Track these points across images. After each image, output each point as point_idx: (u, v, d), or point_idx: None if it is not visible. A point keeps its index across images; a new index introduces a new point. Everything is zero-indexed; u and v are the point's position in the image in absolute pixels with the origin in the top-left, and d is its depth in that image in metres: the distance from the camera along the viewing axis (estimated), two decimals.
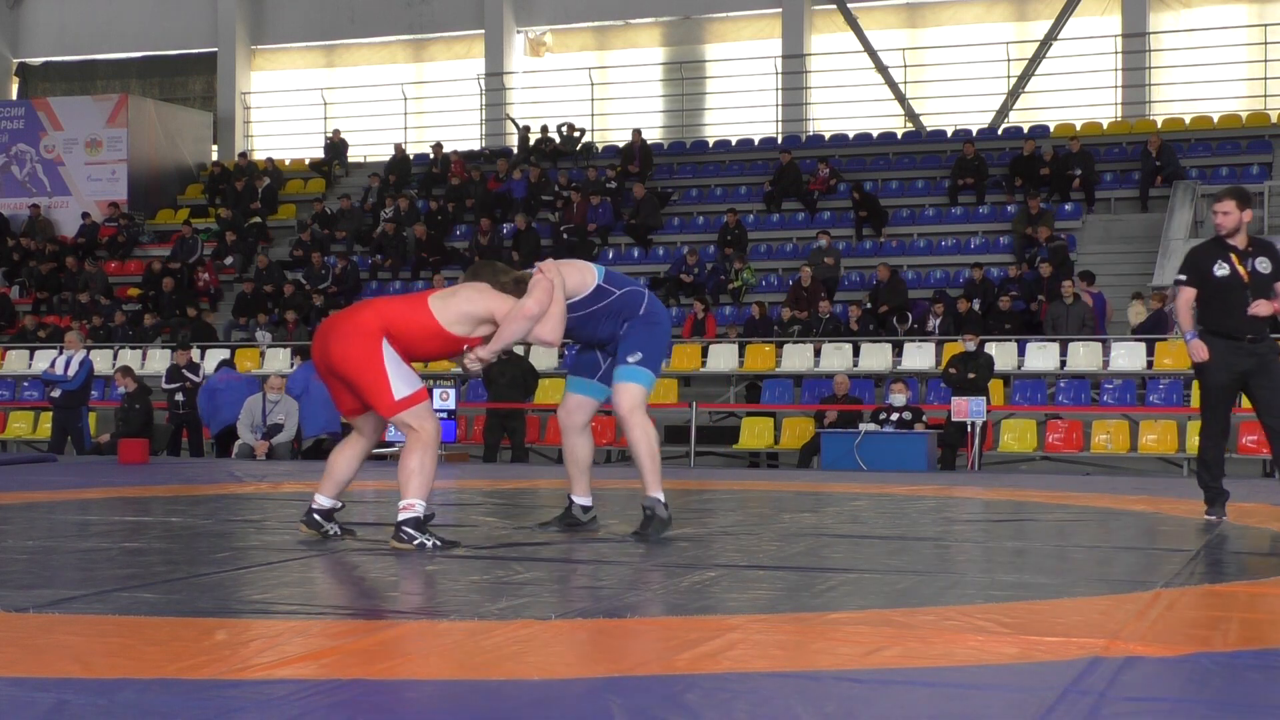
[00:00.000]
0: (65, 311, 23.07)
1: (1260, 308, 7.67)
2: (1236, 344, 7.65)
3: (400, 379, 6.21)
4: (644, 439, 6.75)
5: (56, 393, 16.60)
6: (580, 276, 6.71)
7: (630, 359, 6.72)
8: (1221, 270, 7.75)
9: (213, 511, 8.35)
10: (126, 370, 16.91)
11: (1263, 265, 7.75)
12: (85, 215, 26.25)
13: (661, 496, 6.80)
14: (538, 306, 6.38)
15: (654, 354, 6.78)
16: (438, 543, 6.23)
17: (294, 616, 4.57)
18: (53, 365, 16.85)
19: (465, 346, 6.44)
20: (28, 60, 31.51)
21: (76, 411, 16.74)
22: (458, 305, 6.35)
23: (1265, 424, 7.79)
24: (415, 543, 6.20)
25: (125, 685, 3.49)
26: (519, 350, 17.76)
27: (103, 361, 19.82)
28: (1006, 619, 4.49)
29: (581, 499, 7.10)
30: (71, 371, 16.54)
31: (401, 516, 6.25)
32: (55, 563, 5.97)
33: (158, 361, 20.26)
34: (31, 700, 3.32)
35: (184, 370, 16.75)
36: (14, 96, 30.75)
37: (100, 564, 5.86)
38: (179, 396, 16.63)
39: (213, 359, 18.73)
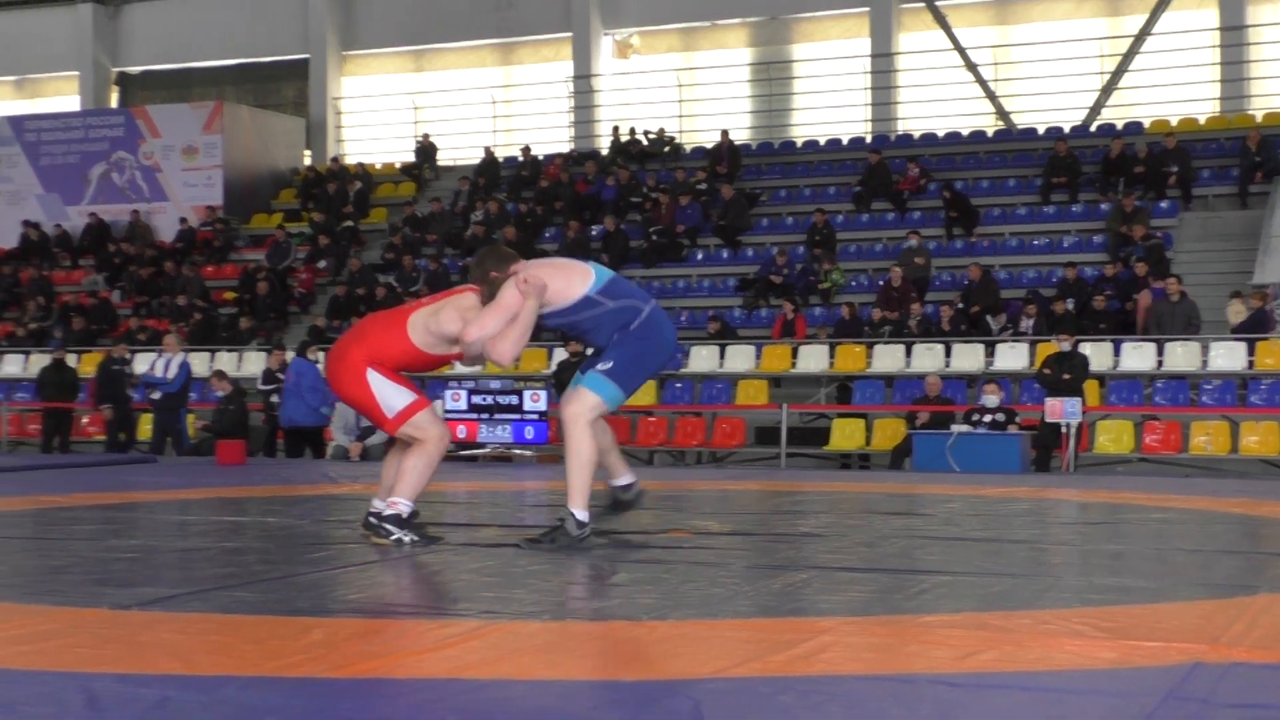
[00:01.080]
0: (164, 315, 23.46)
1: None
2: None
3: (390, 397, 6.47)
4: (580, 450, 6.31)
5: (156, 395, 16.90)
6: (565, 284, 6.36)
7: (600, 367, 6.40)
8: None
9: (308, 512, 8.45)
10: (221, 374, 17.19)
11: None
12: (182, 220, 26.69)
13: (581, 514, 6.34)
14: (493, 325, 6.25)
15: (629, 370, 6.39)
16: (414, 539, 6.41)
17: (389, 616, 4.62)
18: (152, 368, 17.14)
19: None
20: (127, 69, 32.10)
21: (175, 413, 17.03)
22: (438, 325, 6.43)
23: None
24: (392, 538, 6.41)
25: (225, 683, 3.54)
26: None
27: (200, 364, 20.13)
28: (1104, 623, 4.43)
29: (620, 480, 6.85)
30: (171, 374, 16.84)
31: (386, 512, 6.49)
32: (157, 561, 6.07)
33: (253, 364, 20.55)
34: (136, 696, 3.38)
35: (278, 373, 16.97)
36: (114, 105, 31.32)
37: (200, 563, 5.96)
38: (274, 398, 16.85)
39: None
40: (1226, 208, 20.96)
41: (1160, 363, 17.08)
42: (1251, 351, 16.75)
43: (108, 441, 18.04)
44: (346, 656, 3.94)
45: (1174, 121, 23.35)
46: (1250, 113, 23.69)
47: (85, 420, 20.27)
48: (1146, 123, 23.47)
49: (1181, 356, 17.01)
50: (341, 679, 3.62)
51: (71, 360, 20.40)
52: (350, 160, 28.70)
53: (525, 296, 6.26)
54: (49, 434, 18.81)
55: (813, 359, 18.57)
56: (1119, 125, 23.69)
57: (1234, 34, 24.36)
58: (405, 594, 5.24)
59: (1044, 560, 6.27)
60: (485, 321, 6.26)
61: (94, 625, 4.35)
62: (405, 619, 4.57)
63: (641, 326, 6.42)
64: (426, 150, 27.62)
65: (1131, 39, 25.14)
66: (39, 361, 20.98)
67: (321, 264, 24.53)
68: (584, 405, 6.34)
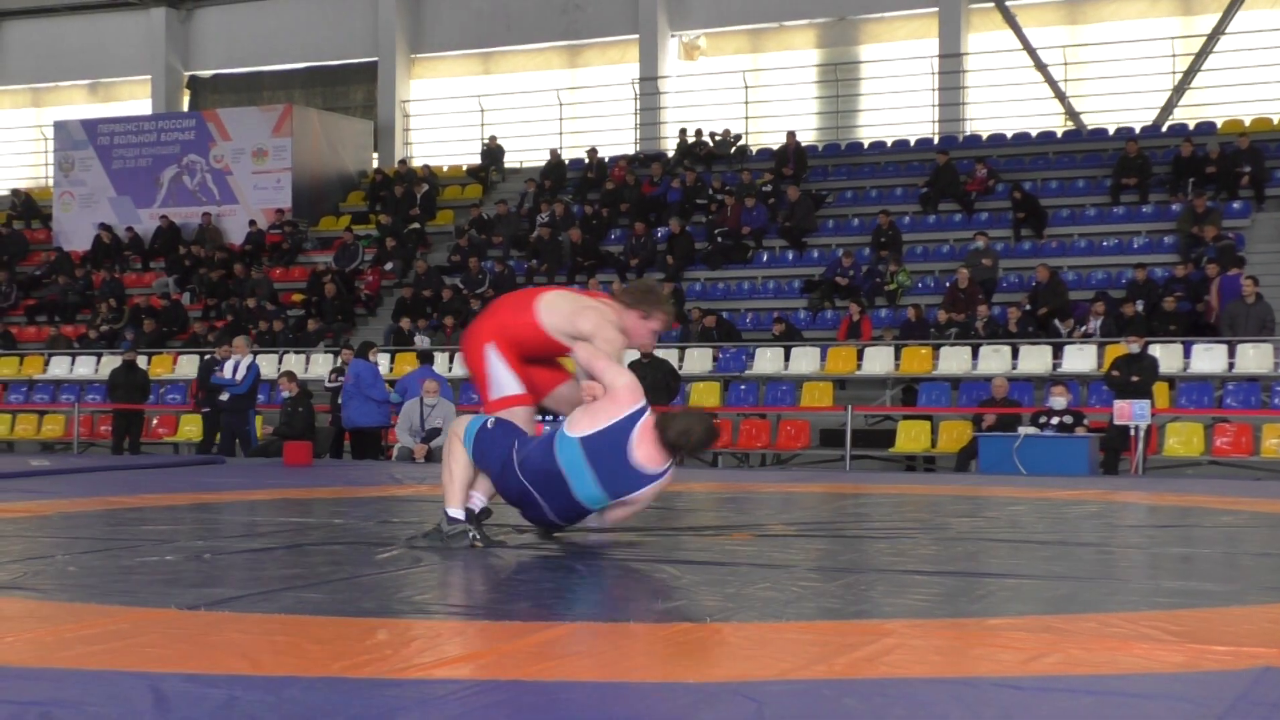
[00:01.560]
0: (233, 317, 23.70)
1: None
2: None
3: (501, 378, 6.56)
4: (447, 457, 6.47)
5: (225, 396, 17.08)
6: (613, 403, 6.27)
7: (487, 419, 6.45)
8: None
9: (374, 513, 8.51)
10: (290, 375, 17.34)
11: None
12: (252, 223, 26.96)
13: (453, 512, 6.40)
14: (599, 364, 6.37)
15: (486, 438, 6.37)
16: (478, 538, 6.35)
17: (453, 617, 4.65)
18: (221, 369, 17.31)
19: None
20: (198, 73, 32.47)
21: (244, 414, 17.20)
22: (572, 319, 6.48)
23: None
24: (458, 531, 6.39)
25: (292, 683, 3.57)
26: (659, 353, 17.81)
27: (268, 366, 20.33)
28: (1173, 627, 4.38)
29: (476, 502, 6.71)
30: (239, 376, 17.01)
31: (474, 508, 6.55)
32: (224, 562, 6.13)
33: (320, 365, 20.73)
34: (204, 696, 3.42)
35: (340, 374, 17.10)
36: (185, 108, 31.70)
37: (267, 564, 6.01)
38: (340, 399, 16.98)
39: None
40: None
41: (1232, 364, 16.86)
42: None
43: (202, 444, 18.08)
44: (411, 657, 3.97)
45: (1247, 121, 23.05)
46: None
47: (155, 422, 20.53)
48: (1219, 123, 23.18)
49: (1253, 358, 16.78)
50: (406, 679, 3.64)
51: (142, 362, 20.64)
52: (417, 163, 28.88)
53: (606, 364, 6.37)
54: (119, 435, 19.06)
55: (878, 361, 18.48)
56: (1191, 125, 23.42)
57: None
58: (469, 595, 5.27)
59: (1111, 563, 6.20)
60: (597, 354, 6.39)
61: (162, 625, 4.40)
62: (469, 620, 4.59)
63: (520, 465, 6.30)
64: (493, 152, 27.74)
65: (1204, 38, 24.84)
66: (110, 363, 21.26)
67: (388, 266, 24.70)
68: (460, 426, 6.51)
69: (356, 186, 28.64)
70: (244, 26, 31.63)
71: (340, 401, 16.89)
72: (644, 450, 6.15)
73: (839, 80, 27.49)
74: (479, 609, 4.83)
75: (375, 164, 29.60)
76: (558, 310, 6.55)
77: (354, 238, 25.35)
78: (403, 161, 28.48)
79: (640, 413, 6.23)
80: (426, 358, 18.14)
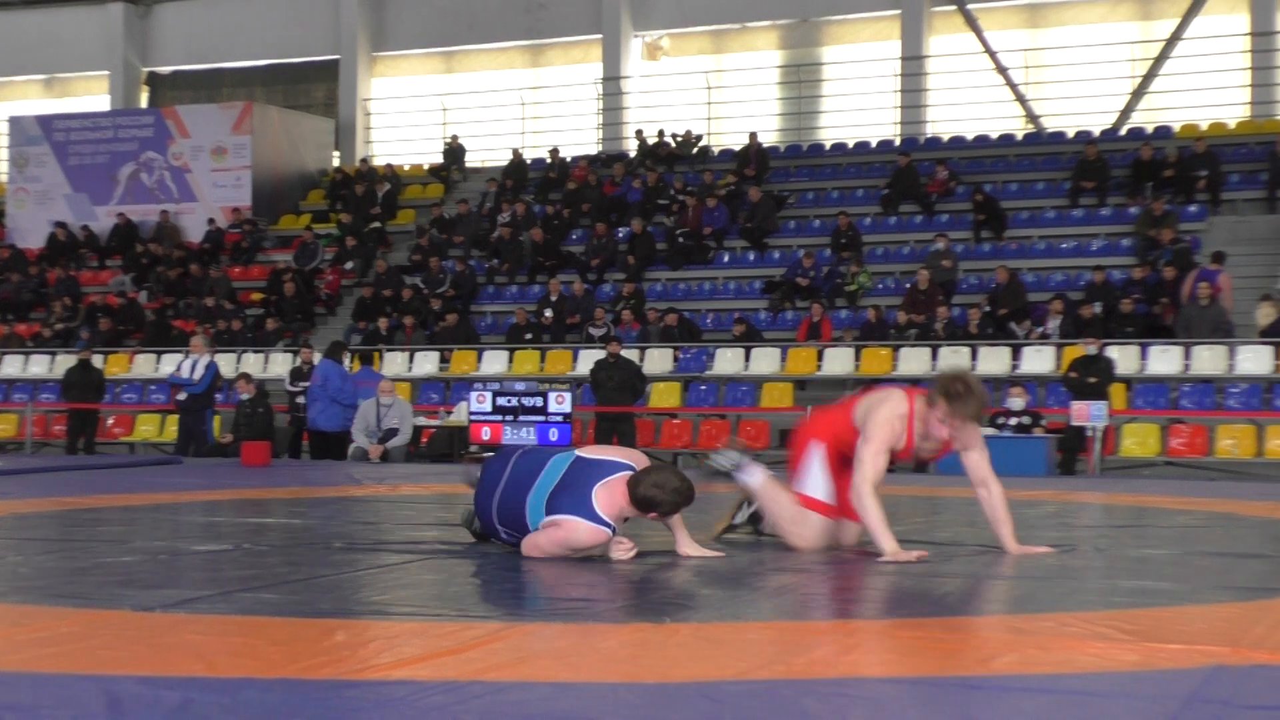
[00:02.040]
0: (191, 316, 23.56)
1: None
2: None
3: (811, 476, 6.54)
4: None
5: (182, 396, 16.97)
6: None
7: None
8: None
9: (332, 514, 8.48)
10: (247, 377, 17.24)
11: None
12: (211, 221, 26.79)
13: None
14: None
15: None
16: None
17: (411, 618, 4.63)
18: (179, 369, 17.20)
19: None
20: (157, 69, 32.25)
21: (201, 414, 17.09)
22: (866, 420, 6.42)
23: None
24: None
25: (248, 685, 3.55)
26: (627, 353, 17.83)
27: (227, 365, 20.21)
28: (1128, 626, 4.41)
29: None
30: (197, 375, 16.90)
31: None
32: (181, 563, 6.10)
33: (280, 365, 20.62)
34: (158, 699, 3.40)
35: (304, 373, 17.02)
36: (143, 105, 31.48)
37: (224, 565, 5.98)
38: (300, 399, 16.89)
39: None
40: (1255, 212, 20.86)
41: (1188, 366, 17.01)
42: (1278, 355, 16.66)
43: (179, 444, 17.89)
44: (369, 658, 3.96)
45: (1204, 125, 23.25)
46: (1279, 118, 23.56)
47: (111, 421, 20.38)
48: (1176, 127, 23.36)
49: (1208, 360, 16.93)
50: (364, 680, 3.63)
51: (98, 361, 20.48)
52: (379, 162, 28.77)
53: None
54: (74, 435, 18.91)
55: (838, 362, 18.54)
56: (1149, 129, 23.59)
57: (1264, 39, 24.23)
58: (428, 596, 5.25)
59: (1067, 563, 6.24)
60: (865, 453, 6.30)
61: (117, 627, 4.37)
62: (428, 621, 4.57)
63: None
64: (454, 152, 27.67)
65: (1163, 43, 25.03)
66: (65, 362, 21.08)
67: (348, 265, 24.61)
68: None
69: (317, 185, 28.51)
70: (204, 23, 31.44)
71: (304, 403, 16.80)
72: (605, 495, 6.01)
73: (801, 81, 27.55)
74: (438, 610, 4.82)
75: (336, 162, 29.47)
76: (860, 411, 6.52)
77: (314, 236, 25.23)
78: (364, 160, 28.38)
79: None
80: (335, 352, 17.76)
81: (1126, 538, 7.59)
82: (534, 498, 6.07)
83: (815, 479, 6.51)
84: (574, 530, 5.92)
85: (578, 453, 6.20)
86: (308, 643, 4.12)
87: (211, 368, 17.08)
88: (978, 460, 6.43)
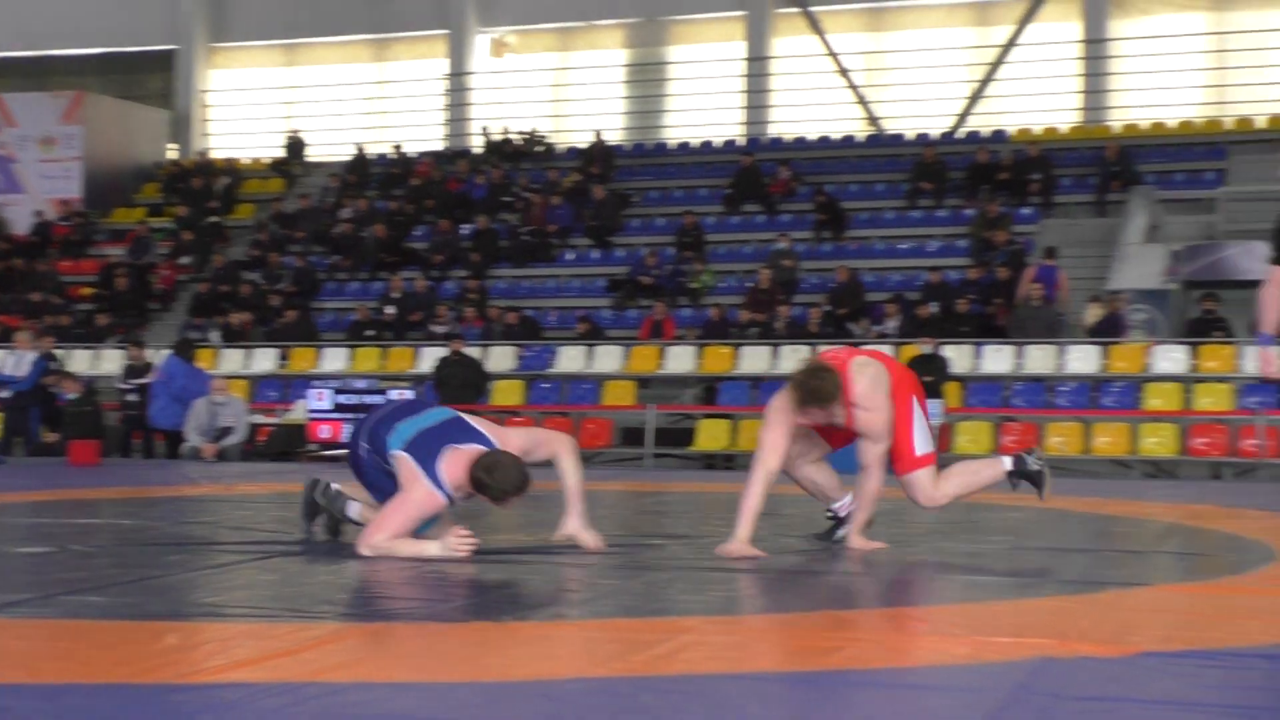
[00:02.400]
0: (17, 311, 22.85)
1: None
2: None
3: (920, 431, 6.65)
4: None
5: (7, 393, 16.45)
6: None
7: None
8: None
9: (165, 514, 8.29)
10: (70, 375, 16.72)
11: None
12: (39, 213, 26.02)
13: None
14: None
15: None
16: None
17: (246, 620, 4.54)
18: (3, 365, 16.67)
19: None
20: None
21: (26, 412, 16.57)
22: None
23: None
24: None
25: (71, 690, 3.45)
26: (470, 351, 17.75)
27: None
28: (959, 619, 4.50)
29: None
30: (23, 371, 16.39)
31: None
32: (1, 566, 5.90)
33: (110, 362, 20.08)
34: None
35: (140, 370, 16.61)
36: None
37: (48, 567, 5.79)
38: (132, 397, 16.48)
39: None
40: (1085, 215, 21.46)
41: (1020, 365, 17.44)
42: (1105, 355, 17.18)
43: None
44: (201, 661, 3.87)
45: (1037, 130, 23.86)
46: (1109, 124, 24.30)
47: None
48: (1011, 131, 23.95)
49: (1039, 359, 17.38)
50: (196, 684, 3.55)
51: None
52: (217, 155, 28.21)
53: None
54: None
55: (680, 360, 18.65)
56: (985, 133, 24.14)
57: (1096, 46, 24.97)
58: (263, 597, 5.16)
59: (901, 559, 6.35)
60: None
61: None
62: (263, 622, 4.49)
63: None
64: (295, 146, 27.25)
65: (999, 49, 25.65)
66: None
67: (184, 260, 24.09)
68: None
69: (152, 178, 27.86)
70: (32, 6, 30.43)
71: (138, 400, 16.40)
72: (452, 460, 5.99)
73: (646, 80, 27.68)
74: (273, 611, 4.73)
75: (172, 155, 28.84)
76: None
77: (149, 230, 24.65)
78: (201, 153, 27.81)
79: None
80: (184, 349, 17.40)
81: (959, 533, 7.75)
82: (402, 426, 6.06)
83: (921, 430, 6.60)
84: (413, 484, 5.90)
85: (460, 414, 6.22)
86: (137, 646, 4.01)
87: (39, 363, 16.58)
88: (862, 448, 6.57)
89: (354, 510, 6.43)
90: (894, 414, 6.42)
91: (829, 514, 6.84)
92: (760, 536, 6.75)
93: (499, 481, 5.83)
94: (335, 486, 6.50)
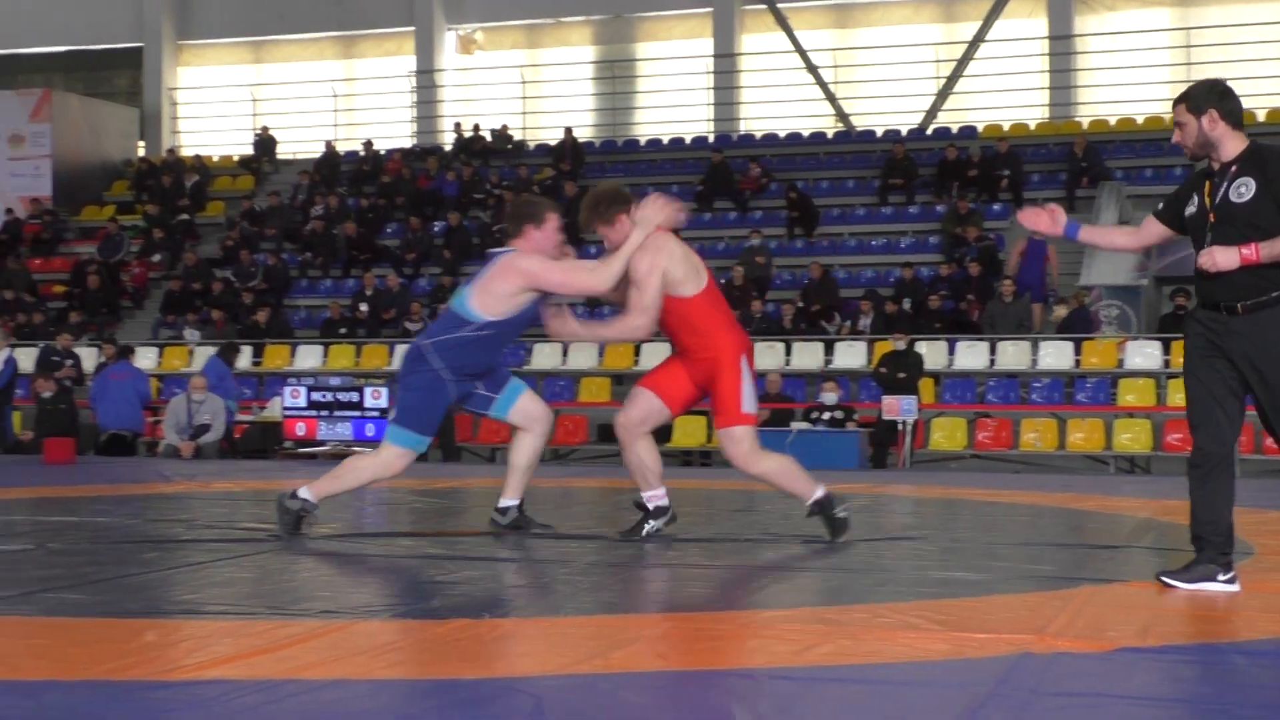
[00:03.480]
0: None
1: (1210, 257, 5.00)
2: (1214, 315, 5.08)
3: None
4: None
5: None
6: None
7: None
8: (1191, 207, 5.31)
9: (141, 512, 8.26)
10: (45, 375, 16.62)
11: (1241, 191, 5.07)
12: (8, 211, 25.85)
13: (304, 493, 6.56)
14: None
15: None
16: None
17: (224, 617, 4.53)
18: None
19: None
20: None
21: (1, 410, 16.49)
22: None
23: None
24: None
25: (50, 687, 3.44)
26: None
27: (27, 359, 19.51)
28: (937, 616, 4.52)
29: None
30: None
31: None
32: None
33: (84, 360, 19.93)
34: None
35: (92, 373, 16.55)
36: None
37: (25, 565, 5.77)
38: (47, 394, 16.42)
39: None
40: None
41: (993, 361, 17.50)
42: (1078, 351, 17.25)
43: None
44: (179, 658, 3.86)
45: (1006, 126, 23.94)
46: (1077, 119, 24.40)
47: None
48: (980, 127, 24.02)
49: (1012, 355, 17.45)
50: (174, 681, 3.54)
51: None
52: (187, 152, 28.08)
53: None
54: None
55: (655, 356, 18.62)
56: (954, 129, 24.22)
57: (1062, 42, 25.08)
58: (241, 594, 5.15)
59: (879, 555, 6.37)
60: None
61: None
62: (241, 620, 4.48)
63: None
64: (265, 143, 27.15)
65: (966, 45, 25.74)
66: None
67: (156, 258, 23.97)
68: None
69: (121, 175, 27.72)
70: None
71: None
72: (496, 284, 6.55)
73: (616, 77, 27.67)
74: (252, 608, 4.72)
75: (141, 152, 28.68)
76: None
77: (119, 228, 24.52)
78: (171, 150, 27.67)
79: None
80: (228, 352, 17.49)
81: (936, 529, 7.78)
82: (455, 302, 6.71)
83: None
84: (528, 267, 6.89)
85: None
86: (115, 643, 4.00)
87: (10, 361, 16.49)
88: (630, 296, 6.86)
89: (305, 491, 6.52)
90: (699, 311, 6.77)
91: (638, 502, 6.85)
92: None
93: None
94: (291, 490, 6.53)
